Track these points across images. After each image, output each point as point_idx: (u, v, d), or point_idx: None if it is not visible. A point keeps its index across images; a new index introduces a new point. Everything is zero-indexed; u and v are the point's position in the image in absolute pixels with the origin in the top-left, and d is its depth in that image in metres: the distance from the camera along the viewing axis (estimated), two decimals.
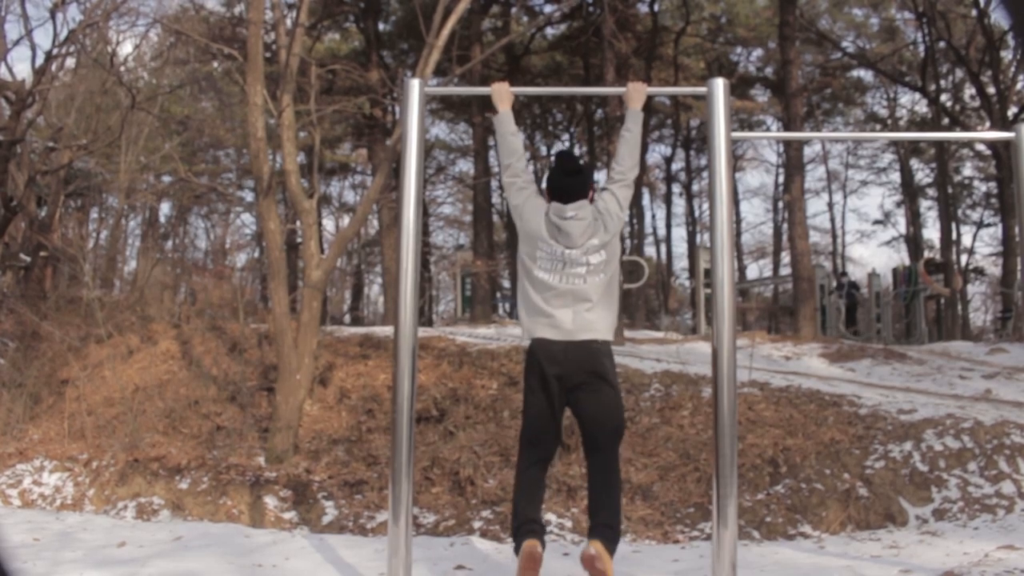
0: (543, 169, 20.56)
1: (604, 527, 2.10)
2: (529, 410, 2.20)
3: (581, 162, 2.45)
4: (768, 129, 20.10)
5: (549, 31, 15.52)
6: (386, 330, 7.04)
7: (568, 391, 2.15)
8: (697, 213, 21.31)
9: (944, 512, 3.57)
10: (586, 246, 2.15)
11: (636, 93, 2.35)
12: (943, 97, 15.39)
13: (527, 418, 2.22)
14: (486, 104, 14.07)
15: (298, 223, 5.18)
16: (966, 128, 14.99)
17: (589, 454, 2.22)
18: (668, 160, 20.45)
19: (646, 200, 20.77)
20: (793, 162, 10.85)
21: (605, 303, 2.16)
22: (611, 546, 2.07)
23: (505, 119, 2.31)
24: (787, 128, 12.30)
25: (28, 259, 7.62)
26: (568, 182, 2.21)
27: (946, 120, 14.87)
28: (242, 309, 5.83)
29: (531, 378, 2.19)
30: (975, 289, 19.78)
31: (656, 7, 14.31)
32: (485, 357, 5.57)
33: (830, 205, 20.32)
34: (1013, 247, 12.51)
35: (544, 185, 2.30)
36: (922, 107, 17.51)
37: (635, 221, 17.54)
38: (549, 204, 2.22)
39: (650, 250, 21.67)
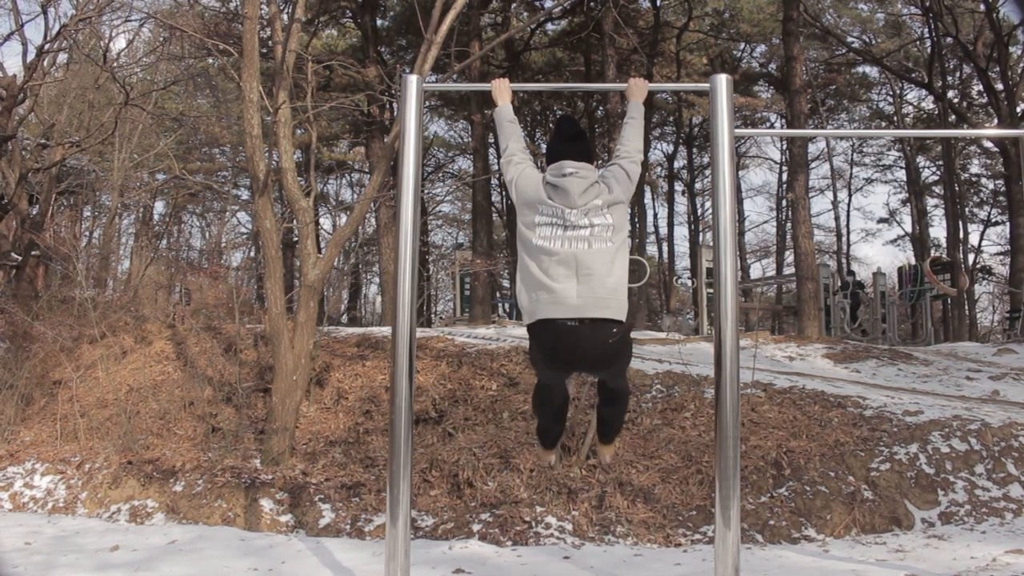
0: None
1: (613, 434, 2.31)
2: (539, 370, 2.15)
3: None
4: (771, 126, 19.99)
5: (549, 27, 15.45)
6: (384, 330, 6.98)
7: (580, 364, 2.05)
8: (699, 211, 21.22)
9: (951, 515, 3.51)
10: (588, 205, 1.94)
11: (637, 88, 2.28)
12: (950, 94, 15.28)
13: (539, 376, 2.18)
14: (485, 101, 14.04)
15: (295, 222, 5.11)
16: (973, 125, 14.86)
17: (600, 394, 2.26)
18: (670, 158, 20.38)
19: (648, 198, 20.70)
20: (797, 160, 10.75)
21: (615, 277, 1.91)
22: (617, 438, 2.35)
23: (505, 110, 2.25)
24: (791, 125, 12.20)
25: (20, 258, 7.56)
26: (569, 147, 2.05)
27: (953, 117, 14.74)
28: (238, 309, 5.76)
29: (535, 351, 2.04)
30: (982, 289, 19.67)
31: (658, 2, 14.20)
32: (484, 358, 5.50)
33: (834, 203, 20.19)
34: (1021, 245, 12.40)
35: (544, 152, 2.23)
36: (928, 104, 17.39)
37: (636, 220, 17.45)
38: (547, 168, 2.07)
39: (652, 249, 21.62)
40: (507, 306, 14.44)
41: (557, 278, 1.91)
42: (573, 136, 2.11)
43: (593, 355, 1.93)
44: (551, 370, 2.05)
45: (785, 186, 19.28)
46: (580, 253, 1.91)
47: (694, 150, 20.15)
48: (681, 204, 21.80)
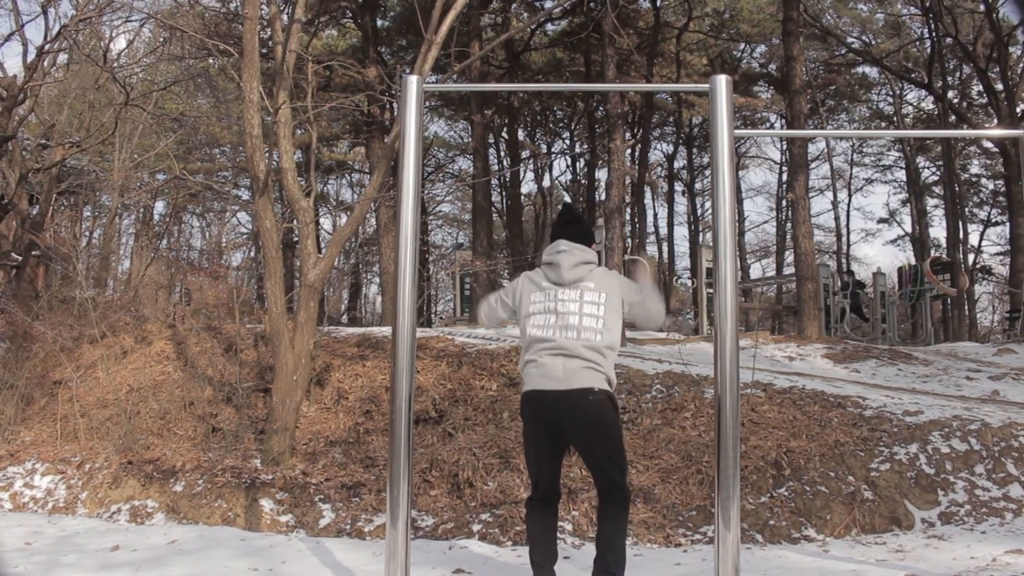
0: (543, 167, 20.49)
1: (601, 571, 2.12)
2: (528, 455, 2.24)
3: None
4: (771, 126, 20.00)
5: (549, 27, 15.45)
6: (384, 330, 6.98)
7: (568, 437, 2.13)
8: (699, 212, 21.24)
9: (951, 515, 3.50)
10: (581, 287, 2.11)
11: (641, 269, 2.33)
12: (950, 94, 15.28)
13: (527, 459, 2.26)
14: (485, 101, 14.00)
15: (295, 222, 5.11)
16: (973, 125, 14.86)
17: (599, 494, 2.22)
18: (670, 158, 20.41)
19: (648, 198, 20.72)
20: (797, 160, 10.74)
21: (601, 359, 2.09)
22: None
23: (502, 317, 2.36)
24: (791, 125, 12.19)
25: (20, 258, 7.57)
26: (567, 229, 2.25)
27: (953, 117, 14.74)
28: (238, 309, 5.76)
29: (526, 427, 2.20)
30: (982, 289, 19.70)
31: (658, 2, 14.19)
32: (484, 357, 5.50)
33: (834, 203, 20.21)
34: (1021, 246, 12.41)
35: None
36: (928, 104, 17.41)
37: (636, 220, 17.46)
38: (545, 250, 2.26)
39: (652, 249, 21.63)
40: None
41: (547, 357, 2.11)
42: (571, 220, 2.32)
43: (576, 416, 2.06)
44: (539, 446, 2.16)
45: (785, 186, 19.29)
46: (570, 343, 2.09)
47: (694, 150, 20.16)
48: (681, 204, 21.86)
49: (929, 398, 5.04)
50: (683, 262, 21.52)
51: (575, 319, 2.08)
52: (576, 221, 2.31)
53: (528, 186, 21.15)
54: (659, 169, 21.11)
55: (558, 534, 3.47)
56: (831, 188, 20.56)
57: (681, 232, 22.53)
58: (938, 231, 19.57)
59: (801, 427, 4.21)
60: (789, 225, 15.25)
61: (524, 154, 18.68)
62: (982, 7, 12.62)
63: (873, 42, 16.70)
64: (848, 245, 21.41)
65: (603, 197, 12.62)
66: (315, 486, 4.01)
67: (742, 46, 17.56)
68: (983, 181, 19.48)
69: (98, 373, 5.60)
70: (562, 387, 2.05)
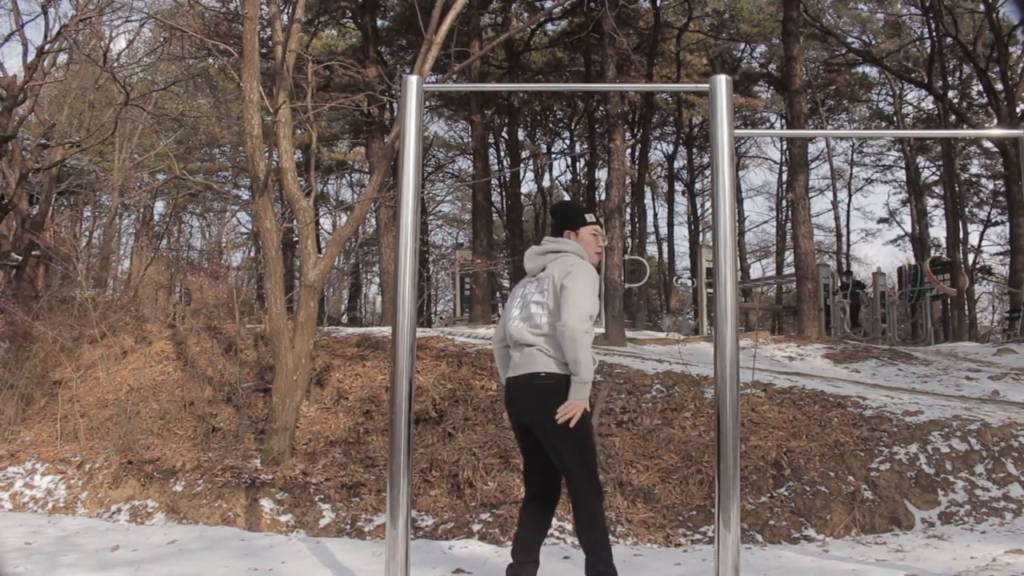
0: (543, 167, 20.49)
1: (588, 570, 2.13)
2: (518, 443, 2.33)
3: (573, 205, 2.79)
4: (771, 126, 20.01)
5: (549, 27, 15.45)
6: (384, 330, 6.98)
7: (530, 426, 2.16)
8: (699, 212, 21.25)
9: (951, 515, 3.50)
10: (541, 276, 2.20)
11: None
12: (950, 94, 15.29)
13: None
14: (485, 101, 14.01)
15: (295, 222, 5.11)
16: (973, 125, 14.87)
17: (568, 490, 2.25)
18: (670, 158, 20.40)
19: (648, 198, 20.74)
20: (797, 160, 10.74)
21: (547, 344, 2.10)
22: None
23: None
24: (791, 125, 12.19)
25: (20, 258, 7.58)
26: (551, 226, 2.39)
27: (953, 117, 14.76)
28: (238, 309, 5.76)
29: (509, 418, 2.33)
30: (982, 289, 19.72)
31: (658, 2, 14.19)
32: (484, 357, 5.50)
33: (834, 203, 20.21)
34: (1021, 246, 12.42)
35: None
36: (928, 104, 17.42)
37: (636, 220, 17.47)
38: None
39: (652, 249, 21.66)
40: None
41: (512, 350, 2.20)
42: (551, 215, 2.52)
43: (522, 401, 2.11)
44: (517, 437, 2.28)
45: (785, 186, 19.31)
46: (522, 334, 2.15)
47: (694, 150, 20.16)
48: (681, 204, 21.86)
49: (929, 398, 5.04)
50: (683, 262, 21.54)
51: (527, 308, 2.16)
52: (552, 216, 2.43)
53: (528, 186, 21.19)
54: (659, 169, 21.13)
55: (558, 534, 3.47)
56: (831, 188, 20.56)
57: (681, 232, 22.53)
58: (938, 231, 19.65)
59: (801, 427, 4.21)
60: (789, 225, 15.24)
61: (524, 154, 18.68)
62: (982, 7, 12.62)
63: (873, 42, 16.69)
64: (848, 245, 21.44)
65: (603, 197, 12.63)
66: (315, 486, 4.01)
67: (742, 46, 17.56)
68: (983, 181, 19.50)
69: (98, 373, 5.60)
70: (515, 373, 2.12)
